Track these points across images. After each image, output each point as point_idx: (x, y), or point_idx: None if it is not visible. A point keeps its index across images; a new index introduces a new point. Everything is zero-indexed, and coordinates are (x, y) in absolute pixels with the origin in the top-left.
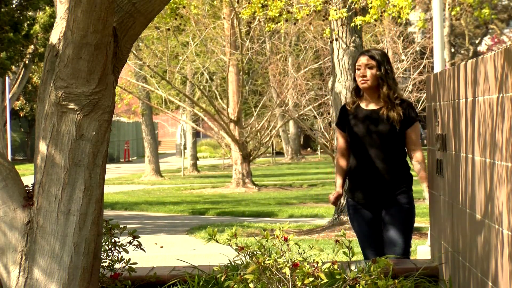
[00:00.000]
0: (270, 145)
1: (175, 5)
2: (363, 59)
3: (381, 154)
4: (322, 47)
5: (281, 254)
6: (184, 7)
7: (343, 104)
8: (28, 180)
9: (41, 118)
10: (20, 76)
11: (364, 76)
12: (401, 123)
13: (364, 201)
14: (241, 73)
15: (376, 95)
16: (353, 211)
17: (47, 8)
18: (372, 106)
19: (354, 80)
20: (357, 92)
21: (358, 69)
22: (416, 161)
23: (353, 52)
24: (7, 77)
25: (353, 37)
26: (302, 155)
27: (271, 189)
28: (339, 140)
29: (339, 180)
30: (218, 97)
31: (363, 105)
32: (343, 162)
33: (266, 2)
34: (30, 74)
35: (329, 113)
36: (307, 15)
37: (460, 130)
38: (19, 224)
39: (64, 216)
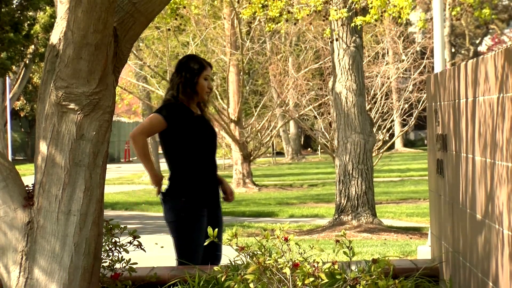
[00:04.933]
0: (270, 145)
1: (175, 5)
2: (210, 71)
3: None
4: (322, 47)
5: (282, 254)
6: (184, 7)
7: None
8: (28, 180)
9: (42, 118)
10: (21, 76)
11: (210, 88)
12: None
13: None
14: (241, 73)
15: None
16: None
17: (47, 8)
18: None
19: (192, 85)
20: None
21: (206, 79)
22: None
23: (354, 52)
24: (7, 77)
25: (354, 37)
26: (302, 155)
27: (272, 189)
28: None
29: None
30: (219, 97)
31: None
32: None
33: (266, 2)
34: (31, 74)
35: (329, 113)
36: (308, 15)
37: (460, 130)
38: (19, 224)
39: (64, 216)
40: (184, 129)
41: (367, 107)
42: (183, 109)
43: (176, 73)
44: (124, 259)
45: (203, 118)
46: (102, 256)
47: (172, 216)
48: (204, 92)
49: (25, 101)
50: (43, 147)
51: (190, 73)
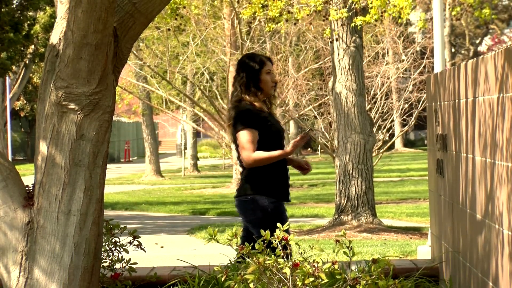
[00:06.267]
0: None
1: (175, 5)
2: (271, 65)
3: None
4: (322, 47)
5: (282, 254)
6: (184, 7)
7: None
8: (28, 180)
9: (42, 118)
10: (21, 76)
11: (275, 82)
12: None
13: None
14: None
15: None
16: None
17: (47, 8)
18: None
19: (256, 82)
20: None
21: (268, 73)
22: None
23: (354, 52)
24: (7, 77)
25: (354, 37)
26: (302, 155)
27: None
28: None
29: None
30: (219, 97)
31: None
32: None
33: (266, 2)
34: (31, 74)
35: (329, 113)
36: (308, 15)
37: (460, 130)
38: (19, 224)
39: (64, 216)
40: (259, 129)
41: (367, 107)
42: (254, 110)
43: (238, 74)
44: (124, 259)
45: (271, 115)
46: (102, 256)
47: (259, 214)
48: (269, 87)
49: (25, 101)
50: (43, 147)
51: (251, 71)
